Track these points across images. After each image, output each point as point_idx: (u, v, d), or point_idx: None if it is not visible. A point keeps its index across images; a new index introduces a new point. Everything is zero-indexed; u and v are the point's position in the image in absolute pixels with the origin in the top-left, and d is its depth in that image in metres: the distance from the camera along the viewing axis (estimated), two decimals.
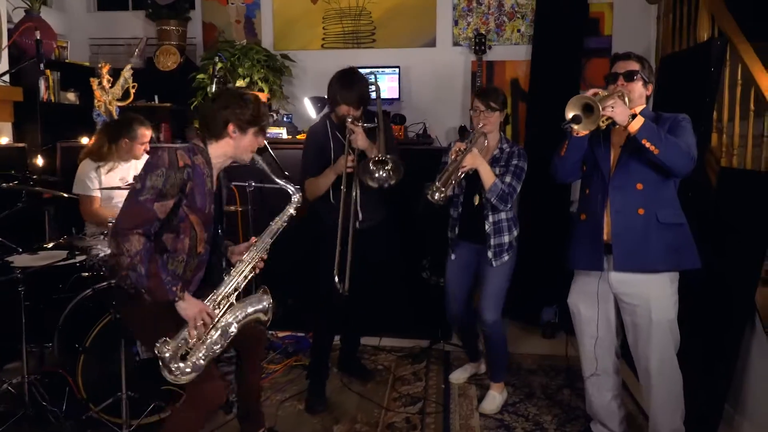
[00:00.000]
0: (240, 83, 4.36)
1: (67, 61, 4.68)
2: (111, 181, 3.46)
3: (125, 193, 3.15)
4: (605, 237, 2.39)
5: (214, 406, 2.36)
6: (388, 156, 2.89)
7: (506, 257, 3.02)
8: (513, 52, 4.65)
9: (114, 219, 3.27)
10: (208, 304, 2.24)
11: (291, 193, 2.44)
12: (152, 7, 4.81)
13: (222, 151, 2.31)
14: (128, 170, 3.52)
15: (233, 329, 2.27)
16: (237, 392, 2.66)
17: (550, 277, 4.04)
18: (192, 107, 4.58)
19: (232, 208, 3.66)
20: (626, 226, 2.34)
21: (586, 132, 2.28)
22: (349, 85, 2.94)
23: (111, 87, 4.19)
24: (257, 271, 2.39)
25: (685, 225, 2.37)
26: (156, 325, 2.20)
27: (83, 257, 3.19)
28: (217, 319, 2.24)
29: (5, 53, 3.94)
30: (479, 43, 4.48)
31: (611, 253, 2.37)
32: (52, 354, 3.23)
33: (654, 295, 2.35)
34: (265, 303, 2.37)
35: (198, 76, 4.43)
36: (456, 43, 4.73)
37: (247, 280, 2.36)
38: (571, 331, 3.93)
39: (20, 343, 3.06)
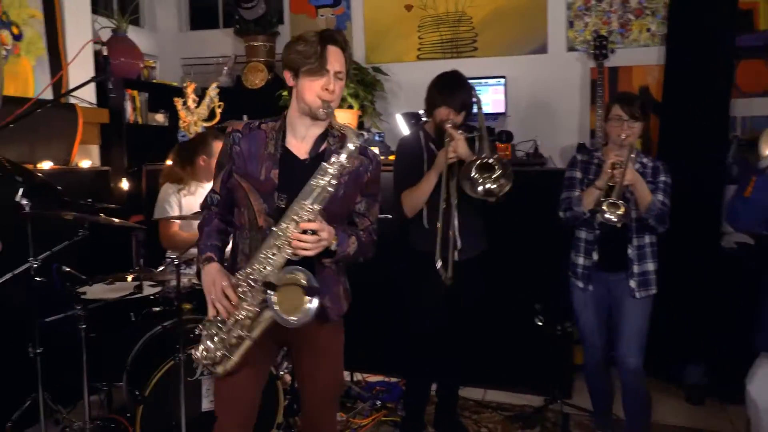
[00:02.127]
0: None
1: (155, 81, 4.53)
2: (191, 205, 3.19)
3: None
4: None
5: None
6: (495, 156, 2.49)
7: (652, 291, 2.61)
8: (641, 56, 3.97)
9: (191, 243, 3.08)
10: (239, 278, 1.81)
11: (348, 136, 1.79)
12: (240, 23, 4.58)
13: (295, 108, 1.91)
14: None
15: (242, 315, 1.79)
16: None
17: (696, 326, 3.33)
18: None
19: None
20: None
21: None
22: (452, 86, 2.68)
23: (197, 107, 3.98)
24: (298, 250, 1.74)
25: None
26: None
27: (157, 289, 2.95)
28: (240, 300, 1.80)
29: (90, 73, 3.79)
30: (600, 47, 3.86)
31: None
32: (120, 394, 2.99)
33: None
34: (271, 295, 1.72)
35: (284, 94, 4.12)
36: (571, 48, 4.13)
37: (281, 259, 1.77)
38: (728, 398, 3.22)
39: (90, 382, 2.85)
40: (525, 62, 4.19)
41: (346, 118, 4.11)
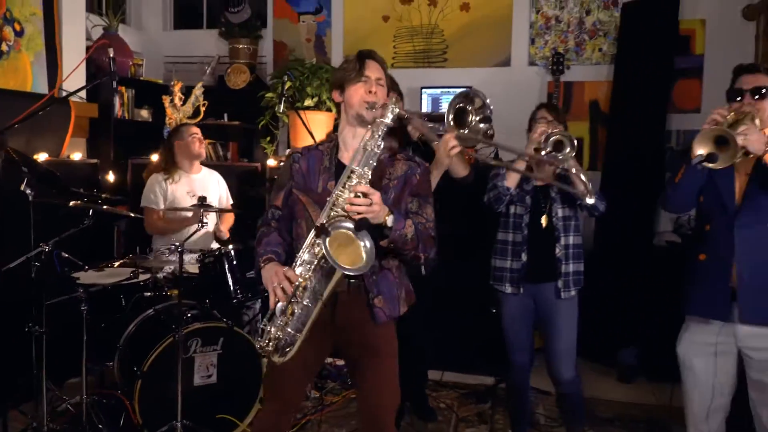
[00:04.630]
0: (308, 102, 4.29)
1: (141, 78, 4.75)
2: (178, 193, 3.49)
3: (192, 203, 3.20)
4: (732, 282, 2.05)
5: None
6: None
7: (573, 291, 2.59)
8: (593, 72, 4.39)
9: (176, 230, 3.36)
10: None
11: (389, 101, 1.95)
12: (225, 25, 4.84)
13: (344, 122, 2.09)
14: (194, 183, 3.57)
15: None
16: None
17: (630, 314, 3.74)
18: (260, 126, 4.57)
19: None
20: (757, 272, 2.02)
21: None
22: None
23: (182, 105, 4.22)
24: (352, 213, 1.81)
25: None
26: None
27: (147, 276, 3.18)
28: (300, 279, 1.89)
29: (83, 70, 4.00)
30: (557, 63, 4.25)
31: (737, 300, 2.04)
32: (112, 373, 3.22)
33: None
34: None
35: (267, 95, 4.39)
36: (532, 63, 4.52)
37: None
38: (655, 377, 3.66)
39: (82, 360, 3.05)
40: (490, 74, 4.55)
41: (323, 120, 4.42)
